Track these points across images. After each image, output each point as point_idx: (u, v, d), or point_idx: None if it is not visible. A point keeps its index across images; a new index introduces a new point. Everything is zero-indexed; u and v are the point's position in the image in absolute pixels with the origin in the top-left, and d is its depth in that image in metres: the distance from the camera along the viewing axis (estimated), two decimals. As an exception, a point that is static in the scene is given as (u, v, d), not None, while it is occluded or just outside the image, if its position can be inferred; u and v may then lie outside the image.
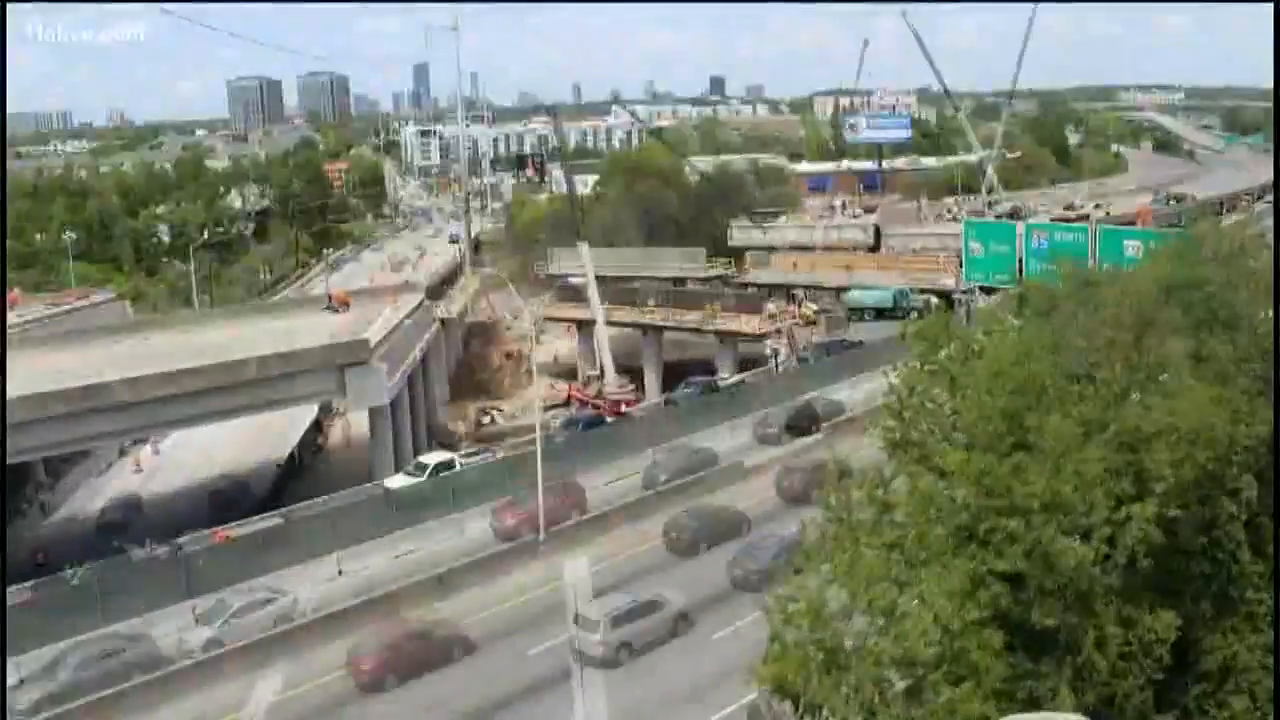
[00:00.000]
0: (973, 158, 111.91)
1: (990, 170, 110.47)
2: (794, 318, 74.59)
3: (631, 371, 72.83)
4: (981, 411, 18.05)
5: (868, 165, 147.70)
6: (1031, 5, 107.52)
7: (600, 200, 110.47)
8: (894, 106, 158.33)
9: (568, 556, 36.29)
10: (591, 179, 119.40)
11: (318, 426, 64.91)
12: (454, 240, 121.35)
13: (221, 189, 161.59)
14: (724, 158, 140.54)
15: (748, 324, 70.15)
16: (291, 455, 59.50)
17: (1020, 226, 68.99)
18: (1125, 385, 19.34)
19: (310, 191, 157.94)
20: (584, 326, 77.43)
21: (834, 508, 17.63)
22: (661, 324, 73.79)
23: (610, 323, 74.23)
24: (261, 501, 48.58)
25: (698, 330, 74.17)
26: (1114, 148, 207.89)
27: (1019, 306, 26.87)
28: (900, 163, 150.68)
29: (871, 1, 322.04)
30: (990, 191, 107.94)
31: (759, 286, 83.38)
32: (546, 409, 61.78)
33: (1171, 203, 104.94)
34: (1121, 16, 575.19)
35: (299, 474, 57.74)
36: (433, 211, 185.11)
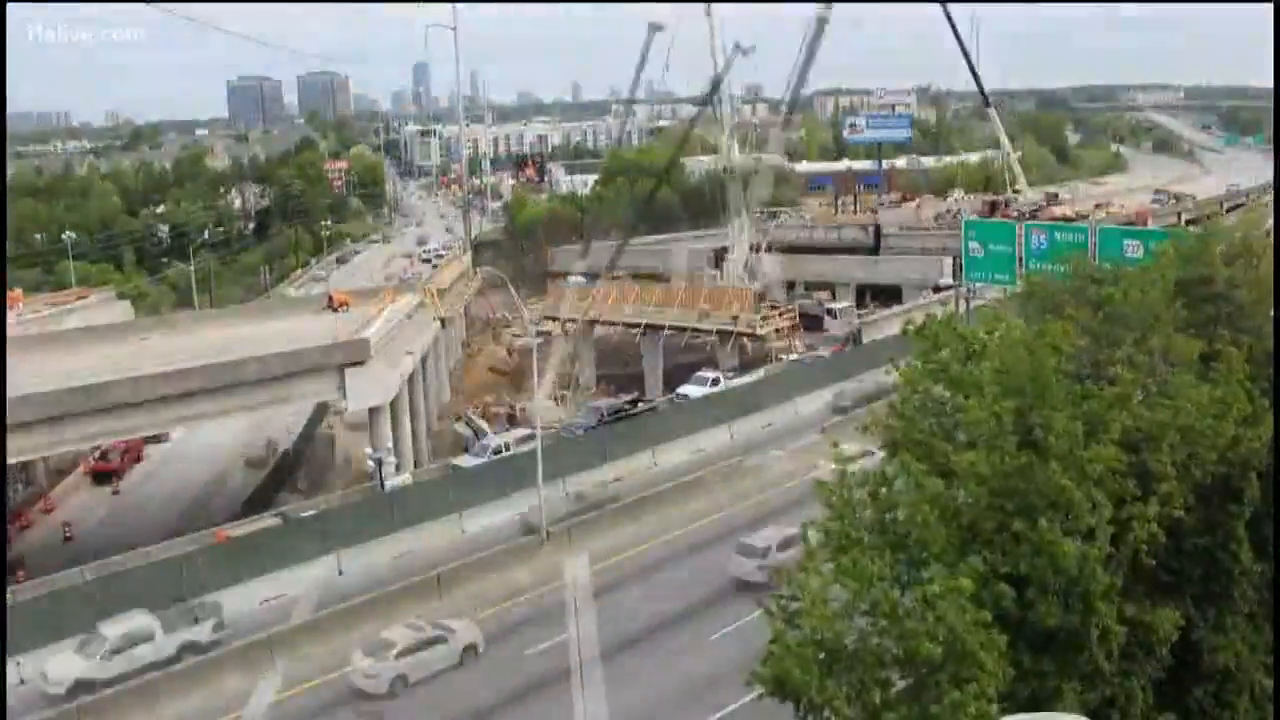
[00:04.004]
0: (1011, 153, 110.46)
1: (1018, 168, 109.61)
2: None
3: (629, 373, 72.73)
4: (986, 410, 17.96)
5: (868, 165, 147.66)
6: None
7: (600, 200, 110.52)
8: (894, 106, 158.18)
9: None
10: (591, 178, 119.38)
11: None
12: (445, 250, 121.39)
13: (221, 189, 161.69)
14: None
15: (745, 323, 69.66)
16: (286, 452, 59.43)
17: (1020, 226, 68.59)
18: (1130, 384, 19.24)
19: (310, 191, 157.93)
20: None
21: (836, 506, 17.55)
22: (658, 323, 73.41)
23: (604, 322, 74.18)
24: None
25: (696, 330, 73.85)
26: (1114, 148, 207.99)
27: (1023, 304, 26.76)
28: (900, 163, 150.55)
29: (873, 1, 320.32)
30: (1015, 187, 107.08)
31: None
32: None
33: (1171, 202, 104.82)
34: (1122, 16, 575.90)
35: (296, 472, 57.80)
36: (432, 211, 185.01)
